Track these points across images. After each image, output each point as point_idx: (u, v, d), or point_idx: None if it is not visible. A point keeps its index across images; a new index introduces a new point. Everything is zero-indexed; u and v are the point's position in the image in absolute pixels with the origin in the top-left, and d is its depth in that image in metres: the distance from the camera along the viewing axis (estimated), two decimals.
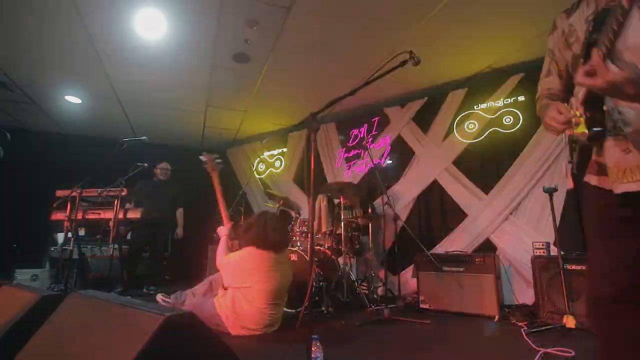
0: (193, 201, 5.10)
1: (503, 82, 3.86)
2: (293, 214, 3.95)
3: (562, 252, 2.64)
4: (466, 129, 4.03)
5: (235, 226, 2.91)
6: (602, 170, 1.02)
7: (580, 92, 1.02)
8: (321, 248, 3.58)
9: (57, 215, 3.99)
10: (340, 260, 3.73)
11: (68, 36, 3.30)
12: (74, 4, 2.88)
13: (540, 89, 1.28)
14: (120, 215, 3.77)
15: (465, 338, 2.50)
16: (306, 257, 3.17)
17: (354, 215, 4.15)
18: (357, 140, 5.01)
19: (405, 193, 4.39)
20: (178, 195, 4.71)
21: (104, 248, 4.52)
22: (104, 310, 1.33)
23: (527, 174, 3.52)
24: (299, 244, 3.52)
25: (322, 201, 4.10)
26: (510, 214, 3.61)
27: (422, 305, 3.27)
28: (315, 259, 3.39)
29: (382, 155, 4.72)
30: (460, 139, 4.06)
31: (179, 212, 4.70)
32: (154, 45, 3.44)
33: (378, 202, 4.38)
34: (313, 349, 1.62)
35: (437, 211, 4.21)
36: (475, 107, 4.04)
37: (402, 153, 4.58)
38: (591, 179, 1.07)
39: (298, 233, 3.60)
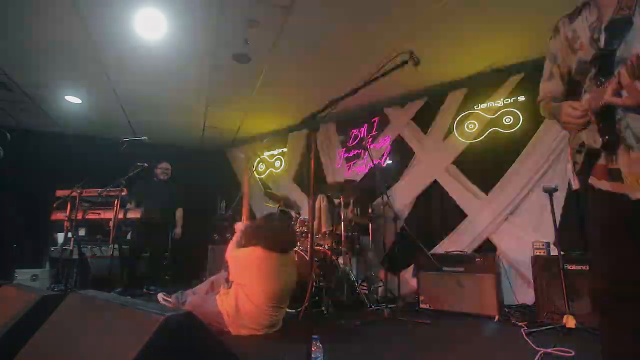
0: (193, 201, 5.11)
1: (503, 82, 3.86)
2: (293, 214, 3.95)
3: (562, 252, 2.64)
4: (466, 129, 4.03)
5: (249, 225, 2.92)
6: (614, 176, 1.03)
7: (586, 101, 1.05)
8: (321, 248, 3.58)
9: (57, 215, 4.00)
10: (340, 260, 3.73)
11: (68, 36, 3.30)
12: (74, 4, 2.88)
13: (543, 92, 1.31)
14: (120, 215, 3.77)
15: (465, 338, 2.50)
16: (306, 257, 3.17)
17: (354, 213, 4.15)
18: (357, 140, 5.02)
19: (405, 193, 4.39)
20: (178, 195, 4.71)
21: (104, 248, 4.52)
22: (104, 310, 1.33)
23: (527, 174, 3.52)
24: (299, 244, 3.52)
25: (322, 201, 4.09)
26: (510, 214, 3.60)
27: (422, 305, 3.27)
28: (315, 259, 3.39)
29: (382, 155, 4.72)
30: (460, 139, 4.06)
31: (178, 212, 4.70)
32: (154, 45, 3.44)
33: (378, 202, 4.38)
34: (313, 349, 1.62)
35: (437, 211, 4.20)
36: (475, 107, 4.04)
37: (402, 153, 4.58)
38: (602, 184, 1.08)
39: (298, 233, 3.60)
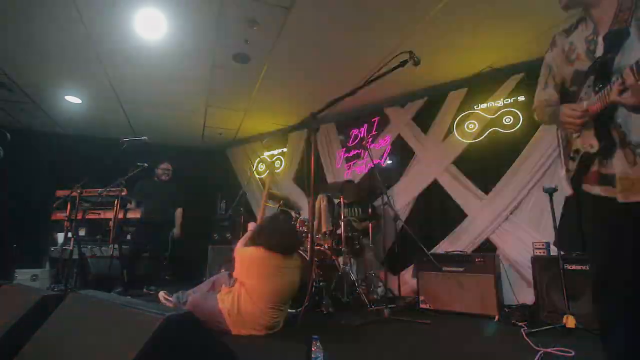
0: (193, 201, 5.11)
1: (503, 82, 3.86)
2: (293, 214, 3.95)
3: (562, 252, 2.64)
4: (466, 129, 4.03)
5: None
6: (606, 181, 1.11)
7: (586, 104, 1.11)
8: (321, 248, 3.57)
9: (57, 215, 4.00)
10: (340, 260, 3.73)
11: (68, 36, 3.30)
12: (74, 4, 2.88)
13: (538, 100, 1.39)
14: (120, 215, 3.77)
15: (465, 338, 2.50)
16: (306, 257, 3.17)
17: (354, 214, 4.15)
18: (357, 140, 5.02)
19: (405, 193, 4.39)
20: (178, 195, 4.71)
21: (104, 248, 4.52)
22: (104, 310, 1.33)
23: (527, 174, 3.52)
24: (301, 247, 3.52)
25: (322, 201, 4.09)
26: (510, 214, 3.61)
27: (422, 305, 3.27)
28: (315, 259, 3.39)
29: (382, 155, 4.72)
30: (460, 139, 4.06)
31: (178, 212, 4.70)
32: (154, 45, 3.44)
33: (378, 202, 4.38)
34: (313, 349, 1.62)
35: (437, 211, 4.20)
36: (475, 107, 4.04)
37: (402, 153, 4.58)
38: (593, 188, 1.15)
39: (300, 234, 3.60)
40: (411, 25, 3.13)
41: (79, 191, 3.50)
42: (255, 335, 2.39)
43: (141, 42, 3.39)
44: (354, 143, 5.05)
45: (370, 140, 4.81)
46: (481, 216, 3.76)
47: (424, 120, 4.44)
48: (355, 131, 5.06)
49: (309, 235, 1.53)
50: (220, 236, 5.42)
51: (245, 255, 2.62)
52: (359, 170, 4.89)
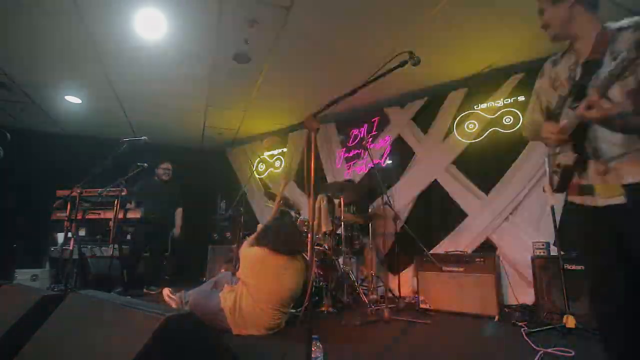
0: (193, 201, 5.11)
1: (503, 82, 3.86)
2: (293, 214, 3.95)
3: (562, 252, 2.64)
4: (466, 129, 4.03)
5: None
6: (582, 191, 1.29)
7: (563, 122, 1.28)
8: (321, 248, 3.58)
9: (57, 215, 4.00)
10: (340, 260, 3.73)
11: (68, 36, 3.30)
12: (74, 4, 2.88)
13: (526, 120, 1.64)
14: (120, 215, 3.77)
15: (465, 338, 2.51)
16: (306, 257, 3.17)
17: (354, 214, 4.15)
18: (357, 140, 5.02)
19: (405, 193, 4.39)
20: (178, 195, 4.71)
21: (104, 248, 4.52)
22: (104, 310, 1.33)
23: (527, 174, 3.52)
24: None
25: (322, 201, 4.09)
26: (510, 214, 3.61)
27: (422, 305, 3.27)
28: (315, 259, 3.39)
29: (382, 155, 4.72)
30: (460, 139, 4.06)
31: (178, 212, 4.70)
32: (154, 45, 3.44)
33: (378, 202, 4.38)
34: (313, 349, 1.62)
35: (437, 211, 4.20)
36: (475, 107, 4.04)
37: (402, 153, 4.58)
38: (575, 198, 1.34)
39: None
40: (411, 25, 3.13)
41: (79, 191, 3.50)
42: (255, 335, 2.40)
43: (141, 42, 3.39)
44: (354, 143, 5.05)
45: (370, 140, 4.81)
46: (481, 216, 3.76)
47: (424, 120, 4.44)
48: (355, 131, 5.06)
49: (309, 235, 1.53)
50: (220, 236, 5.43)
51: (250, 254, 2.62)
52: (359, 170, 4.89)
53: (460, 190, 3.97)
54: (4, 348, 1.39)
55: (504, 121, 3.81)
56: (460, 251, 3.49)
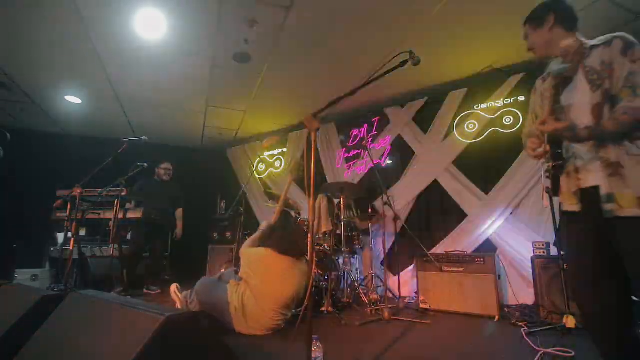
0: (193, 201, 5.10)
1: (503, 82, 3.86)
2: (293, 214, 3.95)
3: (562, 252, 2.64)
4: (466, 129, 4.04)
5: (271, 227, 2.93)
6: (565, 196, 1.42)
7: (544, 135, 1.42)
8: (321, 248, 3.58)
9: (57, 215, 3.99)
10: (340, 260, 3.73)
11: (68, 36, 3.30)
12: (74, 4, 2.88)
13: (523, 133, 1.77)
14: (120, 215, 3.77)
15: (465, 338, 2.50)
16: (306, 257, 3.17)
17: (354, 215, 4.15)
18: (357, 140, 5.02)
19: (405, 193, 4.39)
20: (178, 195, 4.71)
21: (104, 248, 4.51)
22: (104, 310, 1.33)
23: (527, 173, 3.52)
24: None
25: (322, 201, 4.10)
26: (510, 214, 3.61)
27: (422, 305, 3.27)
28: (316, 259, 3.39)
29: (382, 155, 4.72)
30: (460, 139, 4.06)
31: (179, 213, 4.69)
32: (154, 45, 3.44)
33: (378, 202, 4.38)
34: (313, 349, 1.62)
35: (437, 211, 4.21)
36: (475, 107, 4.04)
37: (402, 153, 4.58)
38: (563, 203, 1.46)
39: None
40: (411, 25, 3.13)
41: (79, 191, 3.50)
42: (255, 335, 2.39)
43: (141, 42, 3.39)
44: (354, 143, 5.05)
45: (370, 140, 4.81)
46: (481, 216, 3.76)
47: (424, 120, 4.44)
48: (355, 131, 5.06)
49: (309, 235, 1.53)
50: (220, 236, 5.43)
51: (253, 255, 2.62)
52: (359, 170, 4.89)
53: (460, 190, 3.97)
54: (4, 348, 1.39)
55: (504, 121, 3.82)
56: (460, 251, 3.49)
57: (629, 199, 1.21)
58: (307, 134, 1.49)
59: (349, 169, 5.00)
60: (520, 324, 2.66)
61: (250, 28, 3.14)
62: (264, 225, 3.01)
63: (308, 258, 2.76)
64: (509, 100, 3.82)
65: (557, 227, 2.76)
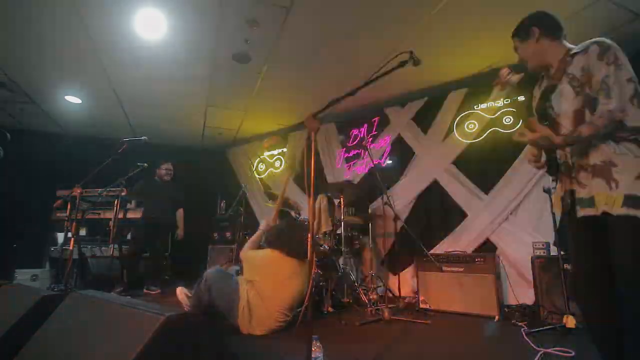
0: (193, 201, 5.10)
1: None
2: (293, 214, 3.95)
3: (562, 252, 2.64)
4: (466, 129, 4.03)
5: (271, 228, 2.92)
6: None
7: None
8: (321, 248, 3.57)
9: (57, 215, 4.00)
10: (340, 260, 3.73)
11: (68, 36, 3.30)
12: (74, 4, 2.88)
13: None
14: (120, 215, 3.77)
15: (465, 338, 2.50)
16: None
17: (354, 214, 4.15)
18: (357, 140, 5.02)
19: (405, 193, 4.39)
20: (179, 195, 4.71)
21: (104, 248, 4.52)
22: (104, 310, 1.33)
23: (527, 174, 3.52)
24: None
25: (322, 201, 4.09)
26: (510, 214, 3.60)
27: (422, 305, 3.27)
28: (316, 259, 3.39)
29: (382, 155, 4.72)
30: (460, 139, 4.06)
31: (179, 213, 4.69)
32: (154, 45, 3.44)
33: (378, 202, 4.38)
34: (313, 349, 1.62)
35: (437, 211, 4.20)
36: (475, 107, 4.04)
37: (402, 153, 4.58)
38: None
39: None
40: (411, 25, 3.13)
41: (79, 191, 3.50)
42: (255, 335, 2.39)
43: (141, 42, 3.39)
44: (354, 143, 5.05)
45: (370, 140, 4.81)
46: (481, 216, 3.76)
47: (424, 120, 4.44)
48: (355, 131, 5.06)
49: (309, 235, 1.53)
50: (220, 236, 5.43)
51: (258, 258, 2.62)
52: (359, 170, 4.89)
53: (460, 190, 3.97)
54: (4, 348, 1.39)
55: (504, 121, 3.81)
56: (460, 251, 3.49)
57: (615, 199, 1.23)
58: (307, 134, 1.49)
59: (349, 169, 5.00)
60: (520, 324, 2.67)
61: (250, 28, 3.14)
62: (263, 225, 3.00)
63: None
64: (509, 100, 3.82)
65: (557, 227, 2.76)
